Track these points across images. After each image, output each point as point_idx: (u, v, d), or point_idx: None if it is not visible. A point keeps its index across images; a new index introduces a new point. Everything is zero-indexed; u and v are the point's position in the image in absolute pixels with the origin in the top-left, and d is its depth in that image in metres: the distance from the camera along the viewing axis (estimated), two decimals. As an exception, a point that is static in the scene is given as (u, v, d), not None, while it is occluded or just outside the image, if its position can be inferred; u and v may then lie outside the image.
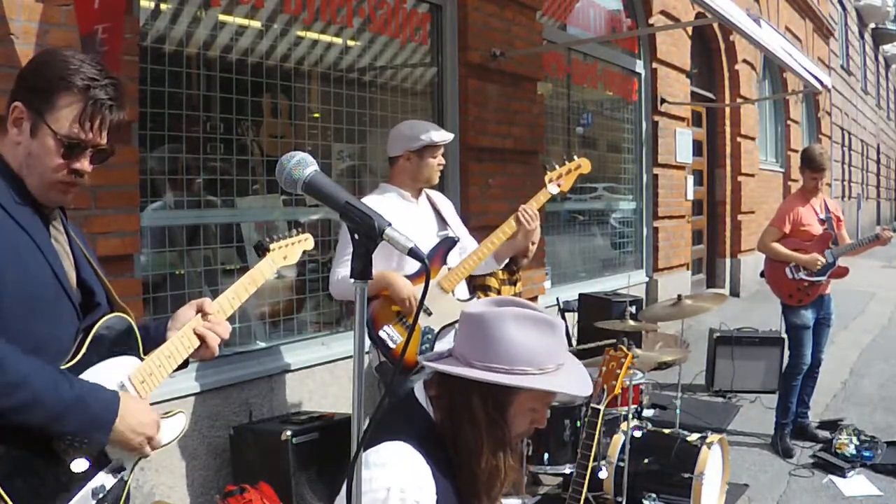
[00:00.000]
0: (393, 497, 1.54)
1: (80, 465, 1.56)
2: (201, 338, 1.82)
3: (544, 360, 1.63)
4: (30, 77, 1.62)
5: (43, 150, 1.60)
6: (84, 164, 1.64)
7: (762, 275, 5.46)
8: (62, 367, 1.57)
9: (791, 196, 5.45)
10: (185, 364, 1.86)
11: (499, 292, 4.15)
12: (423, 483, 1.58)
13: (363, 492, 1.55)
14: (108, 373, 1.63)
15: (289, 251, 2.10)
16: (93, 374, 1.61)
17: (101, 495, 1.59)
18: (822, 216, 5.21)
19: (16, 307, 1.51)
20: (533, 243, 4.31)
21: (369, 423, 1.37)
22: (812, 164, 5.15)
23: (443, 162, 3.62)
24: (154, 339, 1.80)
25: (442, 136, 3.58)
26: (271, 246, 2.05)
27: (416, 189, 3.62)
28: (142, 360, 1.72)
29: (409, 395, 1.75)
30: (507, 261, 4.16)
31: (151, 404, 1.73)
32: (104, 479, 1.60)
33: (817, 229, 5.16)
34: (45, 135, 1.60)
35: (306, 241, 2.16)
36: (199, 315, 1.84)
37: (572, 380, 1.68)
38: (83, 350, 1.61)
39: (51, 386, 1.48)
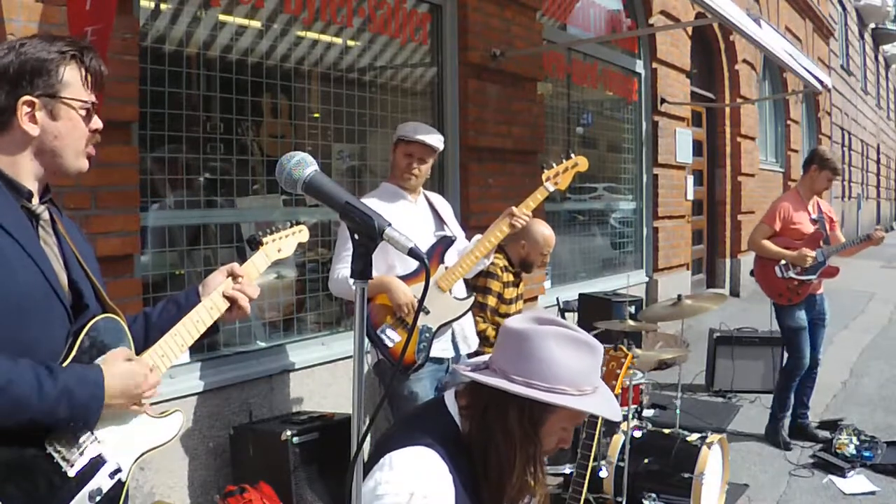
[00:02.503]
0: (415, 502, 1.54)
1: (75, 468, 1.54)
2: (232, 300, 1.87)
3: (583, 382, 1.65)
4: (18, 71, 1.60)
5: (71, 124, 1.64)
6: (99, 122, 1.69)
7: (752, 273, 5.45)
8: None
9: (784, 194, 5.42)
10: (214, 329, 1.90)
11: (500, 295, 4.15)
12: (445, 492, 1.59)
13: (385, 493, 1.56)
14: None
15: (283, 244, 2.08)
16: None
17: (98, 498, 1.58)
18: (815, 216, 5.18)
19: (4, 311, 1.49)
20: (545, 255, 4.32)
21: (369, 423, 1.37)
22: (832, 167, 5.12)
23: (415, 166, 3.56)
24: (188, 309, 1.83)
25: (408, 132, 3.57)
26: (264, 239, 2.04)
27: (408, 187, 3.62)
28: None
29: (439, 402, 1.75)
30: (504, 263, 4.16)
31: (151, 404, 1.73)
32: (101, 482, 1.59)
33: (808, 228, 5.13)
34: (69, 109, 1.63)
35: (301, 233, 2.14)
36: (230, 279, 1.90)
37: (606, 403, 1.72)
38: (73, 352, 1.59)
39: (34, 385, 1.46)
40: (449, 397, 1.74)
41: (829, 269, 5.10)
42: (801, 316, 5.13)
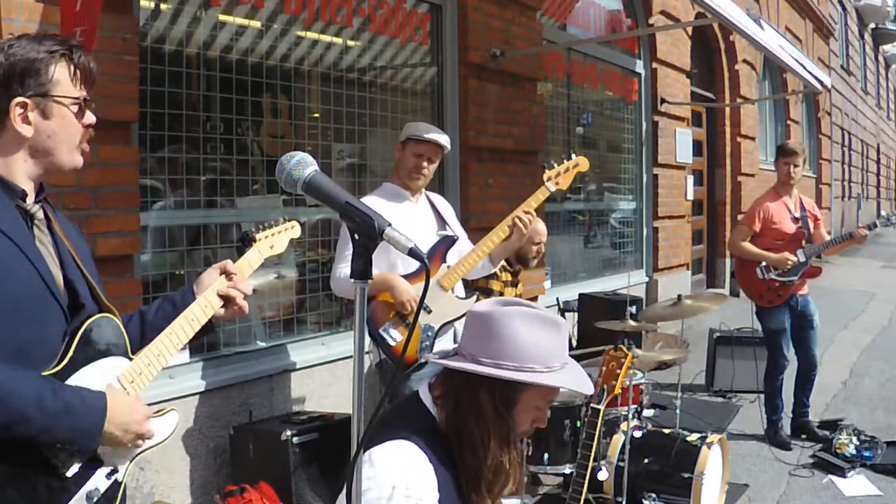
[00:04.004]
0: (398, 494, 1.55)
1: (72, 470, 1.54)
2: (227, 298, 1.88)
3: (550, 359, 1.66)
4: (8, 73, 1.60)
5: (64, 122, 1.64)
6: (92, 117, 1.69)
7: (733, 275, 5.39)
8: (50, 371, 1.55)
9: (764, 194, 5.32)
10: (209, 327, 1.89)
11: (500, 295, 4.16)
12: (426, 481, 1.59)
13: (368, 489, 1.56)
14: (96, 375, 1.62)
15: (275, 240, 2.09)
16: (81, 377, 1.59)
17: (95, 499, 1.58)
18: (797, 214, 5.10)
19: (1, 313, 1.49)
20: (538, 243, 4.32)
21: (370, 422, 1.37)
22: (784, 150, 5.07)
23: (425, 165, 3.57)
24: (184, 308, 1.84)
25: (419, 131, 3.57)
26: (257, 236, 2.04)
27: (414, 187, 3.62)
28: (130, 360, 1.71)
29: (415, 396, 1.76)
30: (501, 262, 4.15)
31: (149, 405, 1.72)
32: (97, 483, 1.59)
33: (789, 227, 5.06)
34: (60, 107, 1.63)
35: (293, 229, 2.14)
36: (223, 276, 1.91)
37: (577, 378, 1.72)
38: (70, 353, 1.59)
39: (34, 399, 1.45)
40: (423, 390, 1.75)
41: (811, 269, 5.03)
42: (782, 318, 5.07)
